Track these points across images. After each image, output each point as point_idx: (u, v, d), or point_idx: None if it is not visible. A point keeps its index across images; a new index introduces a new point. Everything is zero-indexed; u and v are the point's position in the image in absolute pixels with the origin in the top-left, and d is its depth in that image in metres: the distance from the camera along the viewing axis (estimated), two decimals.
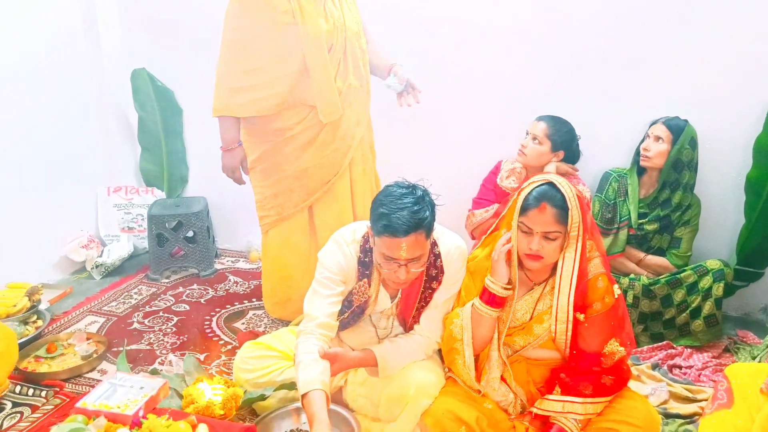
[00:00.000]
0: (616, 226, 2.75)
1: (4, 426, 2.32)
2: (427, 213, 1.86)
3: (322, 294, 1.99)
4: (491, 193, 2.76)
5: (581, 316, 1.88)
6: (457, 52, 3.11)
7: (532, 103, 2.94)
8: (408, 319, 2.11)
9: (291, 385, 2.18)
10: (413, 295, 2.06)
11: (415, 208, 1.84)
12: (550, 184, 1.84)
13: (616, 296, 1.89)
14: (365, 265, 2.04)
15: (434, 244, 2.02)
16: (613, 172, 2.81)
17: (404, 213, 1.82)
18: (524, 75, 3.03)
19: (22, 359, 2.68)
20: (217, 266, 3.65)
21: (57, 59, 3.48)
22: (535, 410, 1.93)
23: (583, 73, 2.92)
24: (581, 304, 1.88)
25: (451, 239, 2.08)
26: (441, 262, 2.04)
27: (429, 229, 1.89)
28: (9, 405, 2.43)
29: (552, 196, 1.82)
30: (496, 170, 2.82)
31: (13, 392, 2.50)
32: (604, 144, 2.91)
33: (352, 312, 2.09)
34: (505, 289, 1.88)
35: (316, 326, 1.92)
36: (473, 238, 2.74)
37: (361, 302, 2.07)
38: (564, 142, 2.70)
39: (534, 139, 2.71)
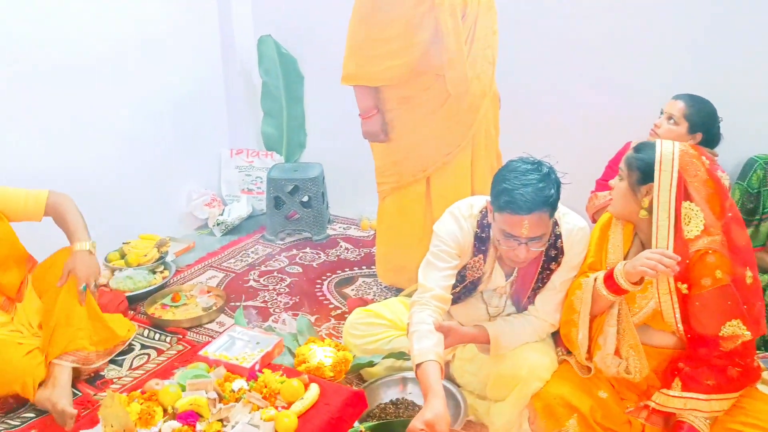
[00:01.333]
0: (758, 217, 2.53)
1: (134, 365, 2.51)
2: (552, 191, 1.79)
3: (437, 266, 1.97)
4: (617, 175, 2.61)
5: (684, 288, 1.74)
6: (589, 20, 2.96)
7: (668, 81, 2.74)
8: (522, 299, 2.06)
9: (399, 354, 2.19)
10: (530, 275, 2.00)
11: (540, 185, 1.77)
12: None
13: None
14: (482, 241, 2.00)
15: (555, 223, 1.94)
16: (759, 159, 2.58)
17: (528, 189, 1.75)
18: (662, 50, 2.84)
19: (149, 305, 2.88)
20: (330, 232, 3.72)
21: (191, 25, 3.64)
22: (653, 404, 1.82)
23: (728, 49, 2.68)
24: (686, 277, 1.74)
25: (573, 220, 2.00)
26: (562, 242, 1.96)
27: (553, 208, 1.82)
28: (138, 346, 2.62)
29: (640, 144, 1.86)
30: (624, 151, 2.66)
31: (142, 335, 2.69)
32: (748, 128, 2.67)
33: (464, 287, 2.06)
34: (634, 285, 1.76)
35: (431, 298, 1.91)
36: (594, 221, 2.61)
37: (475, 278, 2.04)
38: (704, 123, 2.49)
39: (669, 118, 2.53)
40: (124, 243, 3.25)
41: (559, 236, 1.96)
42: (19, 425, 2.16)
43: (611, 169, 2.67)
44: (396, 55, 2.48)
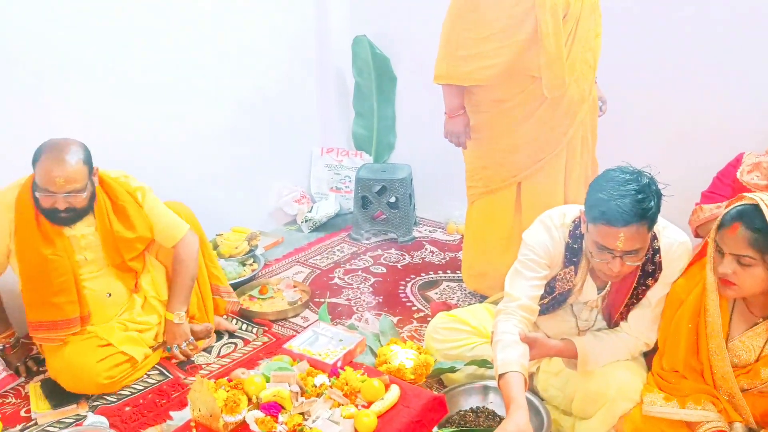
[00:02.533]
0: None
1: (221, 353, 2.59)
2: (652, 203, 1.70)
3: (525, 276, 1.92)
4: (727, 188, 2.44)
5: None
6: (698, 21, 2.80)
7: None
8: (614, 315, 1.97)
9: (481, 362, 2.15)
10: (624, 290, 1.91)
11: (639, 196, 1.68)
12: (755, 205, 1.59)
13: None
14: (573, 252, 1.93)
15: (654, 237, 1.85)
16: None
17: (626, 201, 1.67)
18: None
19: (238, 296, 2.97)
20: (416, 234, 3.71)
21: (288, 25, 3.72)
22: None
23: None
24: None
25: (674, 234, 1.89)
26: (660, 258, 1.86)
27: (652, 221, 1.73)
28: (226, 335, 2.71)
29: (749, 217, 1.58)
30: (736, 163, 2.49)
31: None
32: None
33: (552, 298, 2.00)
34: None
35: (517, 307, 1.87)
36: (697, 236, 2.47)
37: (564, 290, 1.97)
38: None
39: None
40: (217, 234, 3.36)
41: (657, 251, 1.86)
42: (116, 401, 2.29)
43: (720, 182, 2.51)
44: (491, 55, 2.42)
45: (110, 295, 2.41)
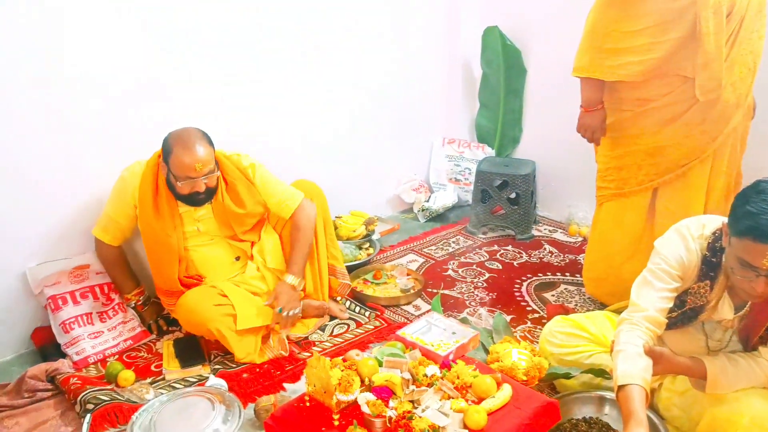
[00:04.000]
0: None
1: (334, 332, 2.67)
2: None
3: (655, 286, 1.81)
4: None
5: None
6: None
7: None
8: (753, 339, 1.81)
9: (599, 371, 2.07)
10: (766, 313, 1.76)
11: None
12: None
13: None
14: (710, 266, 1.79)
15: None
16: None
17: None
18: None
19: (353, 279, 3.03)
20: (535, 232, 3.62)
21: (419, 13, 3.73)
22: None
23: None
24: None
25: None
26: None
27: None
28: None
29: None
30: None
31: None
32: None
33: (682, 313, 1.87)
34: None
35: (643, 318, 1.77)
36: None
37: (697, 306, 1.84)
38: None
39: None
40: (336, 217, 3.45)
41: None
42: (235, 368, 2.42)
43: None
44: (641, 51, 2.28)
45: (225, 263, 2.58)
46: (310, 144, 3.39)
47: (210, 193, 2.44)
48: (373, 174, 3.82)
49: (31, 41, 2.38)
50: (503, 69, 3.83)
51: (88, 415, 2.03)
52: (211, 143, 2.39)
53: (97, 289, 2.66)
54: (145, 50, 2.68)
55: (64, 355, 2.49)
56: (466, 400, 1.75)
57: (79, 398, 2.16)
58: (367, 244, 3.38)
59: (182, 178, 2.34)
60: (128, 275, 2.68)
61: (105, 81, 2.60)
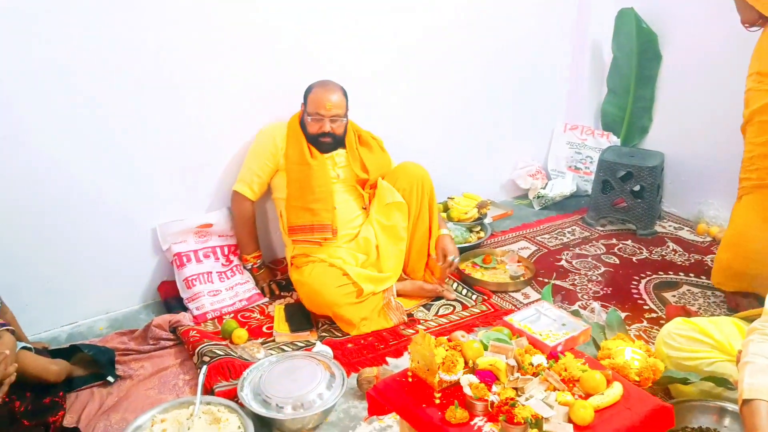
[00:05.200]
0: None
1: (440, 312, 2.66)
2: None
3: None
4: None
5: None
6: None
7: None
8: None
9: (721, 380, 1.92)
10: None
11: None
12: None
13: None
14: None
15: None
16: None
17: None
18: None
19: (462, 261, 3.01)
20: (658, 228, 3.42)
21: None
22: None
23: None
24: None
25: None
26: None
27: None
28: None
29: None
30: None
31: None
32: None
33: None
34: None
35: None
36: None
37: None
38: None
39: None
40: (449, 197, 3.43)
41: None
42: (341, 337, 2.48)
43: None
44: None
45: (354, 210, 2.70)
46: (428, 122, 3.38)
47: (336, 141, 2.64)
48: (488, 157, 3.75)
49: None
50: (636, 54, 3.61)
51: (205, 367, 2.16)
52: (346, 97, 2.62)
53: (218, 250, 2.82)
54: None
55: (185, 309, 2.66)
56: (573, 394, 1.69)
57: (197, 350, 2.30)
58: (478, 228, 3.34)
59: (312, 114, 2.57)
60: (253, 237, 2.83)
61: (242, 43, 2.71)
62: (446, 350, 1.77)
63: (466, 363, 1.77)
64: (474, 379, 1.70)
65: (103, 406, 2.13)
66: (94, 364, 2.26)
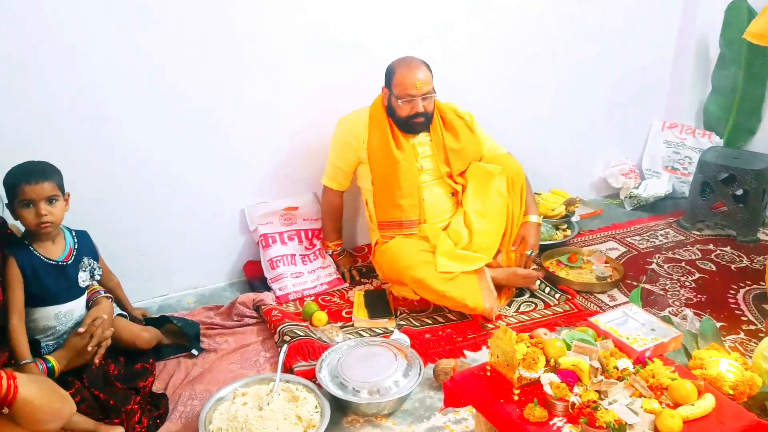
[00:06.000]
0: None
1: (521, 309, 2.60)
2: None
3: None
4: None
5: None
6: None
7: None
8: None
9: None
10: None
11: None
12: None
13: None
14: None
15: None
16: None
17: None
18: None
19: (546, 258, 2.93)
20: (761, 236, 3.20)
21: None
22: None
23: None
24: None
25: None
26: None
27: None
28: (527, 293, 2.70)
29: None
30: None
31: None
32: None
33: None
34: None
35: None
36: None
37: None
38: None
39: None
40: (536, 193, 3.34)
41: None
42: (419, 327, 2.48)
43: None
44: None
45: (443, 201, 2.65)
46: (513, 114, 3.30)
47: (427, 120, 2.56)
48: (580, 153, 3.63)
49: None
50: (746, 50, 3.40)
51: (285, 346, 2.21)
52: (430, 69, 2.51)
53: (303, 234, 2.88)
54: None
55: (268, 289, 2.73)
56: (660, 402, 1.61)
57: (278, 329, 2.36)
58: (565, 225, 3.24)
59: (403, 96, 2.47)
60: (337, 227, 2.87)
61: (325, 30, 2.74)
62: (527, 347, 1.73)
63: (547, 361, 1.73)
64: (555, 378, 1.65)
65: (188, 376, 2.23)
66: (181, 335, 2.36)
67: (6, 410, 1.27)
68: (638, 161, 3.84)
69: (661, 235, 3.26)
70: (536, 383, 1.68)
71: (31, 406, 1.30)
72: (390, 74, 2.52)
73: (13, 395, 1.27)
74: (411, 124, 2.55)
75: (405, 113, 2.51)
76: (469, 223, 2.58)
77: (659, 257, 3.02)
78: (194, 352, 2.34)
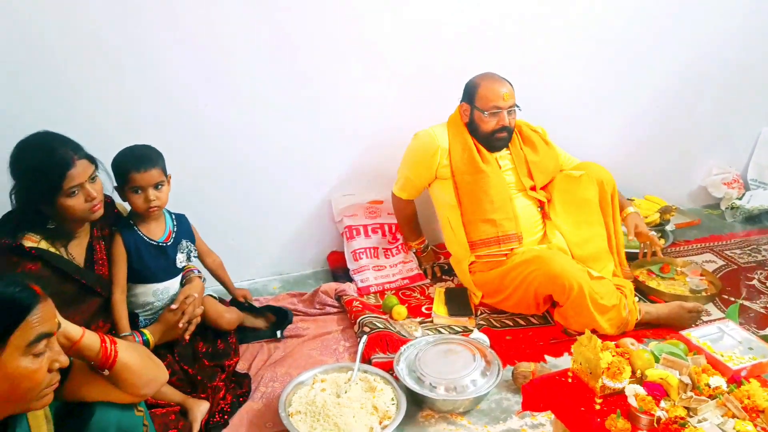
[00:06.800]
0: None
1: None
2: None
3: None
4: None
5: None
6: None
7: None
8: None
9: None
10: None
11: None
12: None
13: None
14: None
15: None
16: None
17: None
18: None
19: (636, 267, 2.81)
20: None
21: None
22: None
23: None
24: None
25: None
26: None
27: None
28: None
29: None
30: None
31: None
32: None
33: None
34: None
35: None
36: None
37: None
38: None
39: None
40: (629, 199, 3.21)
41: None
42: (499, 327, 2.45)
43: None
44: None
45: (532, 215, 2.55)
46: (606, 116, 3.20)
47: (509, 135, 2.51)
48: (679, 159, 3.47)
49: None
50: None
51: (365, 336, 2.24)
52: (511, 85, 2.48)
53: (386, 228, 2.90)
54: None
55: (350, 280, 2.77)
56: (755, 425, 1.52)
57: (358, 320, 2.40)
58: (659, 234, 3.10)
59: (489, 109, 2.42)
60: (415, 228, 2.85)
61: (419, 35, 2.76)
62: (613, 355, 1.67)
63: (633, 372, 1.67)
64: (641, 390, 1.59)
65: (270, 359, 2.30)
66: (264, 319, 2.43)
67: (106, 372, 1.36)
68: (743, 170, 3.63)
69: (765, 249, 3.06)
70: (620, 394, 1.62)
71: (128, 371, 1.38)
72: (473, 88, 2.47)
73: (114, 359, 1.35)
74: (494, 140, 2.48)
75: (490, 127, 2.45)
76: (567, 237, 2.50)
77: (761, 273, 2.84)
78: (278, 334, 2.41)
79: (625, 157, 3.18)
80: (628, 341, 1.80)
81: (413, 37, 2.74)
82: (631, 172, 3.21)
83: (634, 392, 1.59)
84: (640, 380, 1.65)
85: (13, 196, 1.78)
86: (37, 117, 2.13)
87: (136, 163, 1.97)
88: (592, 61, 3.10)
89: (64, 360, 1.21)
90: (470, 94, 2.48)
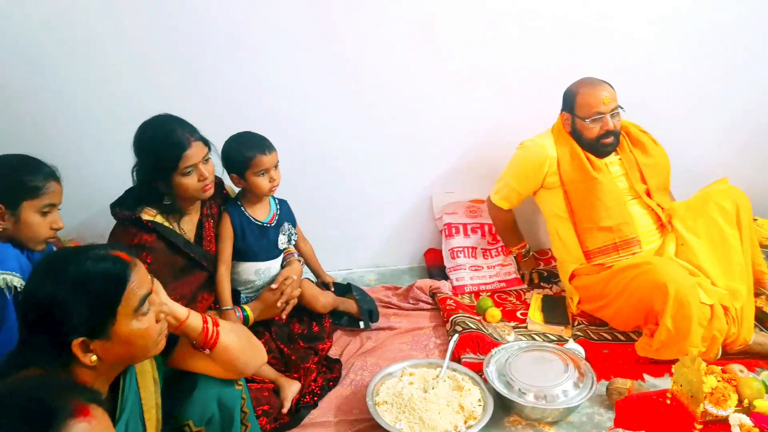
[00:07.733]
0: None
1: None
2: None
3: None
4: None
5: None
6: None
7: None
8: None
9: None
10: None
11: None
12: None
13: None
14: None
15: None
16: None
17: None
18: None
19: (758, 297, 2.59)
20: None
21: None
22: None
23: None
24: None
25: None
26: None
27: None
28: None
29: None
30: None
31: None
32: None
33: None
34: None
35: None
36: None
37: None
38: None
39: None
40: (753, 218, 2.99)
41: None
42: (596, 340, 2.36)
43: None
44: None
45: (649, 222, 2.42)
46: (721, 122, 2.97)
47: (616, 139, 2.40)
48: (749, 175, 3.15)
49: None
50: None
51: (456, 335, 2.23)
52: (612, 86, 2.38)
53: (486, 228, 2.88)
54: None
55: (446, 278, 2.77)
56: None
57: (451, 318, 2.39)
58: None
59: (590, 115, 2.34)
60: (515, 235, 2.79)
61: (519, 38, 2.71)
62: (718, 380, 1.58)
63: (740, 401, 1.57)
64: (747, 420, 1.50)
65: (362, 348, 2.35)
66: (355, 303, 2.49)
67: (208, 352, 1.44)
68: None
69: None
70: (723, 422, 1.54)
71: (228, 352, 1.46)
72: (571, 96, 2.39)
73: (215, 341, 1.43)
74: (600, 146, 2.38)
75: (594, 134, 2.36)
76: (695, 251, 2.28)
77: None
78: (361, 325, 2.44)
79: (746, 170, 2.94)
80: (736, 367, 1.69)
81: (522, 39, 2.69)
82: (754, 187, 2.95)
83: (739, 422, 1.50)
84: (747, 410, 1.55)
85: (134, 173, 1.94)
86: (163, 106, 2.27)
87: (262, 146, 2.10)
88: (695, 61, 2.90)
89: (166, 308, 1.32)
90: (569, 103, 2.40)
